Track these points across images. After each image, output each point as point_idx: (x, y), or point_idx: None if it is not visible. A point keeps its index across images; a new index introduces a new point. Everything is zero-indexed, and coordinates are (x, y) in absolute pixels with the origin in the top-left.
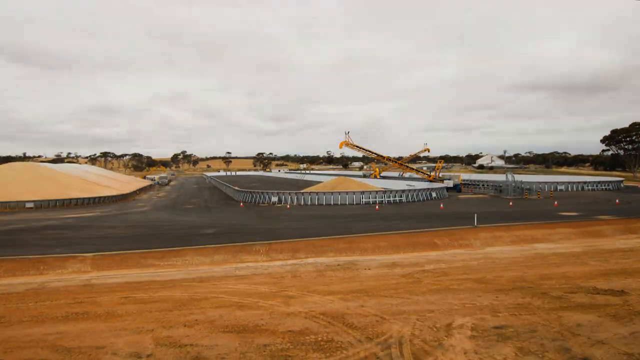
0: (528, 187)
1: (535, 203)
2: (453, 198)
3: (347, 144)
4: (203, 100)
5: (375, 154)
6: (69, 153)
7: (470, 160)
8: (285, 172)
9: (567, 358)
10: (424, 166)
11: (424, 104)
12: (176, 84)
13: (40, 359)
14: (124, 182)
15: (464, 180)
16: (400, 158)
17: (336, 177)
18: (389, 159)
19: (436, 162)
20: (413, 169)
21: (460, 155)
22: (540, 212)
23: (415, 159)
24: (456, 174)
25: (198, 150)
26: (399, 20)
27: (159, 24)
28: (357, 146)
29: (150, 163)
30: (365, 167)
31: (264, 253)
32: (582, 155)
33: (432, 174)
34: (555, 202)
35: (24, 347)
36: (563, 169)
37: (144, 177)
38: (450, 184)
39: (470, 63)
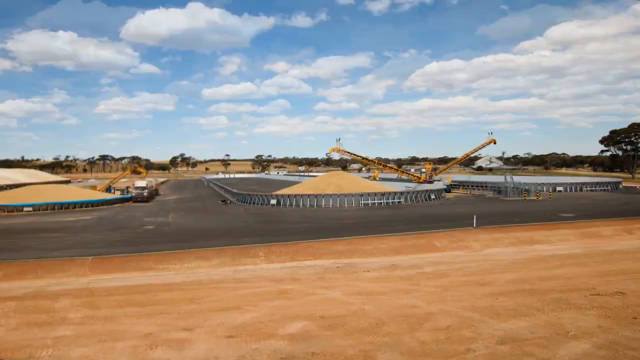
0: (527, 188)
1: (534, 204)
2: (451, 200)
3: (338, 150)
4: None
5: (365, 158)
6: (67, 156)
7: (468, 161)
8: (284, 175)
9: (567, 359)
10: (422, 168)
11: None
12: None
13: None
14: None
15: (460, 182)
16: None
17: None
18: (379, 162)
19: (446, 164)
20: (405, 171)
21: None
22: (539, 213)
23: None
24: (446, 175)
25: (196, 152)
26: None
27: None
28: (347, 152)
29: (148, 166)
30: (363, 169)
31: (263, 256)
32: (580, 156)
33: (422, 176)
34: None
35: (21, 351)
36: (562, 170)
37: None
38: (441, 185)
39: None
